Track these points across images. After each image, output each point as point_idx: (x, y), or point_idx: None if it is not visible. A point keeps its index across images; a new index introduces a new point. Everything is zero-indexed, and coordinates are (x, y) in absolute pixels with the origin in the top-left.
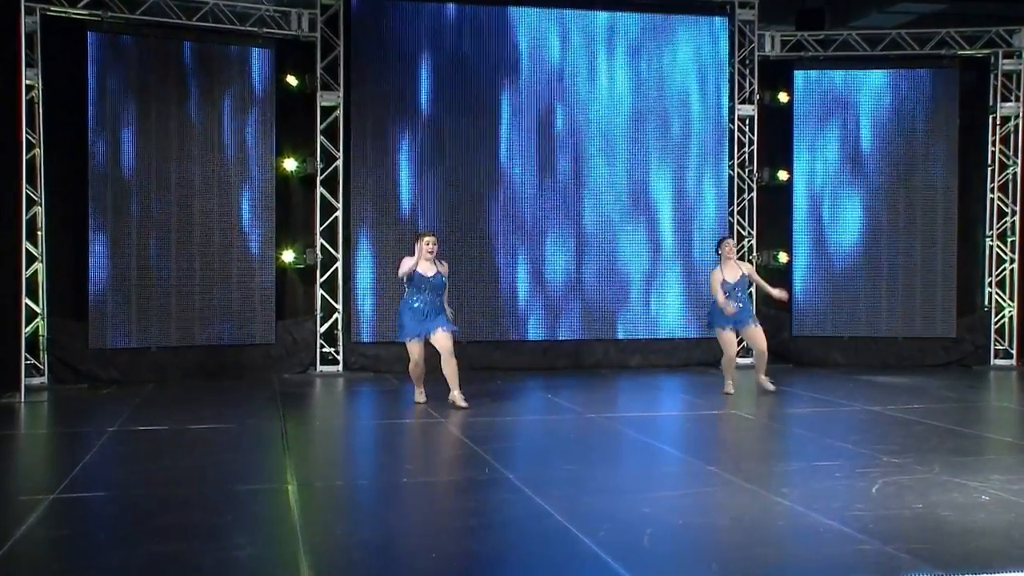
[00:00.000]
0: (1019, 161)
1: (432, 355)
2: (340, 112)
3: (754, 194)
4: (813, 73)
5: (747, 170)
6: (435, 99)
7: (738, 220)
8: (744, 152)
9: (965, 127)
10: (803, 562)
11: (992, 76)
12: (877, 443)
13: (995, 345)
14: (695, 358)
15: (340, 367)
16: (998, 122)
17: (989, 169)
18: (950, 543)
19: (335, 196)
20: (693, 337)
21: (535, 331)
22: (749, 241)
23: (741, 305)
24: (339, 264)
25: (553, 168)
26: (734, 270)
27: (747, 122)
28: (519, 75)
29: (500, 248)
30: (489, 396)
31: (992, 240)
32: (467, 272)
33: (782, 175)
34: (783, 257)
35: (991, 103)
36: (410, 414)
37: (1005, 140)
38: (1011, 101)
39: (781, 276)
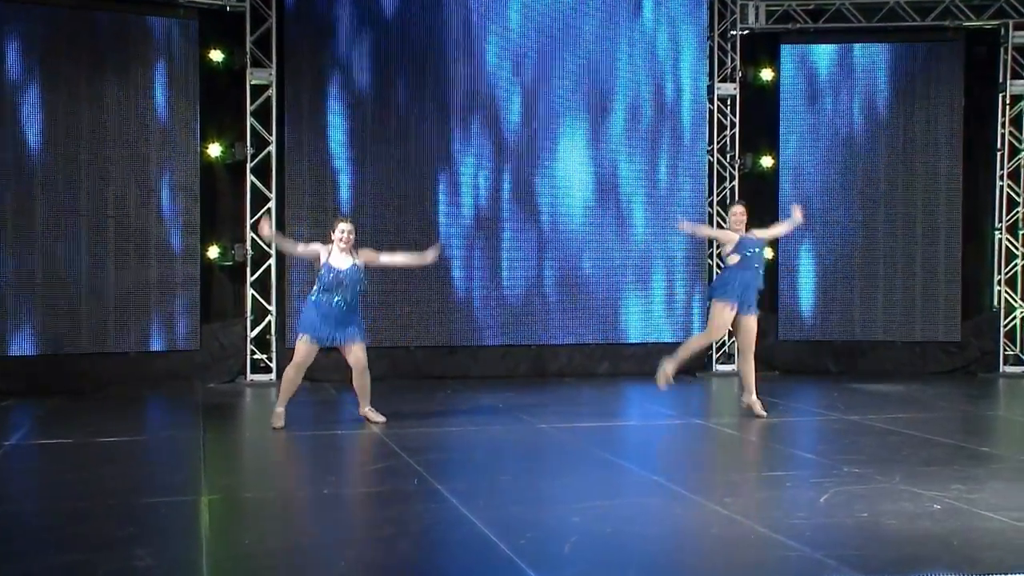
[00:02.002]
0: None
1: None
2: (273, 91)
3: (736, 182)
4: (801, 48)
5: (728, 156)
6: (379, 76)
7: (718, 211)
8: (725, 136)
9: (972, 107)
10: (723, 568)
11: (1002, 50)
12: (842, 453)
13: (1004, 350)
14: None
15: (273, 375)
16: (1008, 101)
17: (998, 154)
18: (882, 549)
19: (267, 185)
20: (667, 342)
21: (491, 335)
22: None
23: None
24: (272, 261)
25: (512, 154)
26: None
27: (728, 102)
28: (473, 49)
29: (453, 242)
30: (434, 405)
31: (1001, 233)
32: (414, 270)
33: (766, 161)
34: (768, 252)
35: (1001, 80)
36: (344, 425)
37: (1016, 121)
38: (1022, 78)
39: (766, 274)
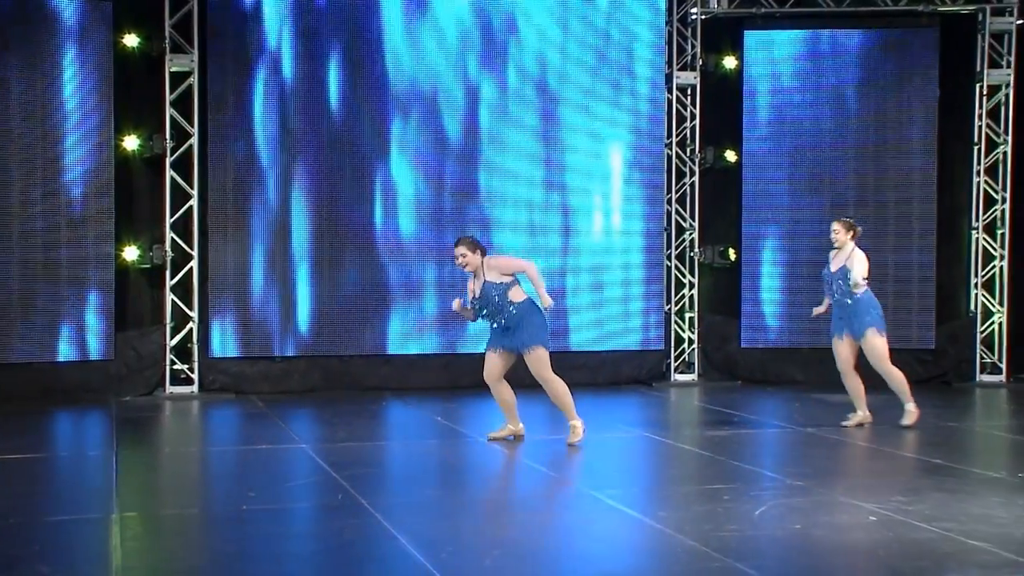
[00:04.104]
0: (1010, 139)
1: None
2: (194, 79)
3: (696, 179)
4: (767, 34)
5: (688, 150)
6: (311, 64)
7: (677, 210)
8: (684, 128)
9: (947, 98)
10: None
11: (979, 37)
12: (789, 466)
13: (981, 358)
14: (624, 375)
15: (195, 387)
16: (985, 92)
17: (975, 148)
18: (804, 560)
19: (189, 181)
20: (622, 350)
21: (432, 343)
22: (691, 235)
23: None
24: (194, 263)
25: (454, 147)
26: (838, 259)
27: (688, 92)
28: (413, 34)
29: (389, 243)
30: (368, 418)
31: (978, 233)
32: (350, 274)
33: (730, 156)
34: (731, 253)
35: (978, 69)
36: (269, 439)
37: (994, 113)
38: (1001, 67)
39: (728, 276)
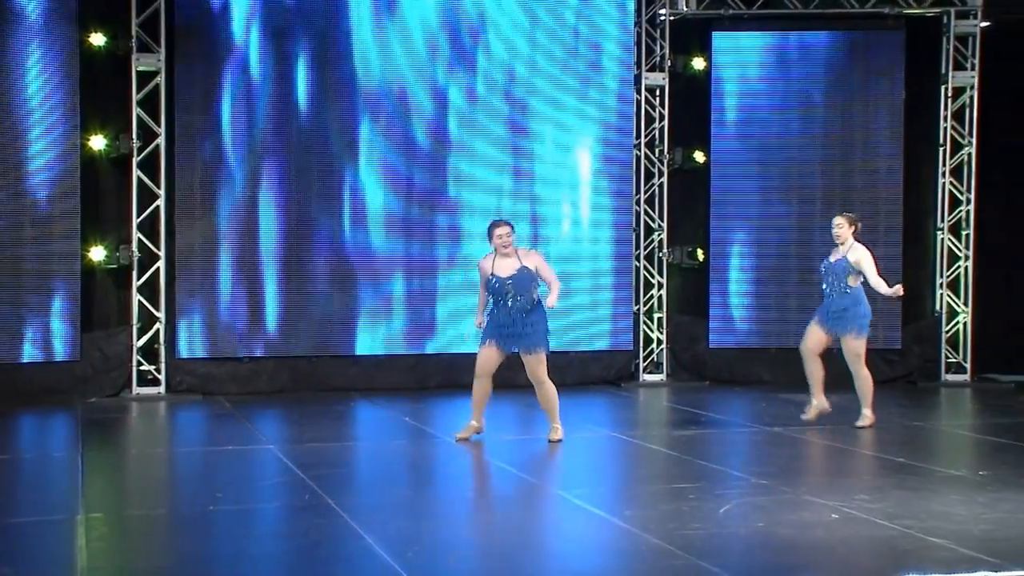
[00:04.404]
0: (974, 140)
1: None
2: (161, 79)
3: (665, 179)
4: (735, 35)
5: (656, 150)
6: (279, 63)
7: (645, 210)
8: (653, 129)
9: (913, 100)
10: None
11: (944, 40)
12: (754, 465)
13: (946, 358)
14: (593, 375)
15: (162, 388)
16: (950, 94)
17: (940, 150)
18: (766, 557)
19: (156, 181)
20: (591, 351)
21: (400, 344)
22: (659, 235)
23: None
24: (161, 263)
25: (422, 147)
26: (838, 251)
27: (656, 93)
28: (382, 35)
29: (357, 244)
30: (335, 419)
31: (944, 234)
32: (319, 274)
33: (698, 157)
34: (700, 254)
35: (943, 72)
36: (236, 440)
37: (959, 115)
38: (966, 70)
39: (696, 277)
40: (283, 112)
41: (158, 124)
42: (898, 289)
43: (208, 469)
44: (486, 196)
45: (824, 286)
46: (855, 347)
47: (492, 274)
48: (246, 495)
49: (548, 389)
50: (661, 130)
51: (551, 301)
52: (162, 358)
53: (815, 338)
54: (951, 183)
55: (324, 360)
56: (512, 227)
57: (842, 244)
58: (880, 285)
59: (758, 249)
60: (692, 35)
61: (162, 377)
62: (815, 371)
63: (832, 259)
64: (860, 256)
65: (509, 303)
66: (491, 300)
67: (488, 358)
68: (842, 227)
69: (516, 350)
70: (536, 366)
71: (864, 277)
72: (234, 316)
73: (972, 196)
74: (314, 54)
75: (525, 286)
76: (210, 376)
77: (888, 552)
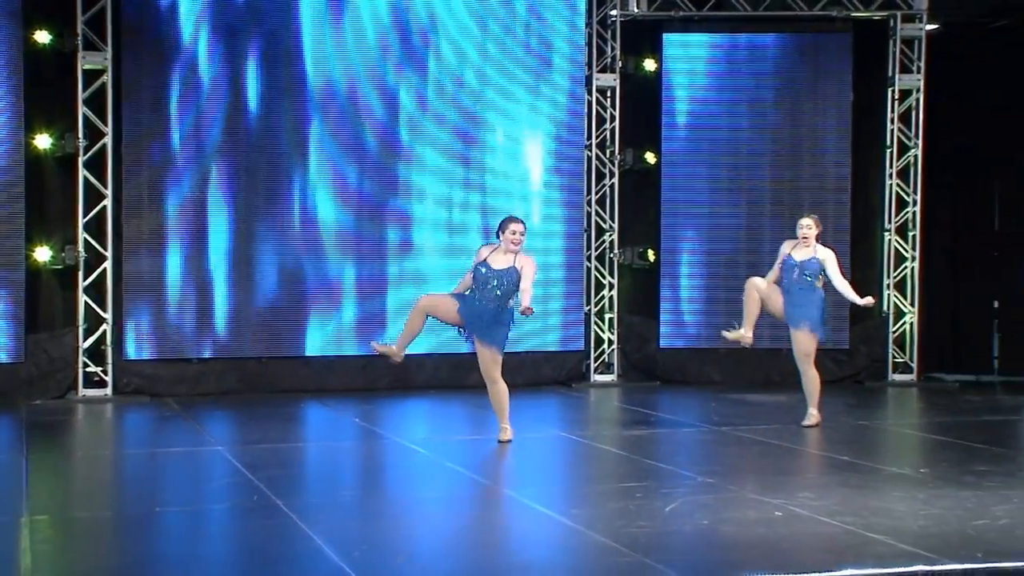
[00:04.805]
0: (920, 142)
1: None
2: (108, 77)
3: (616, 180)
4: (685, 37)
5: (607, 151)
6: (228, 62)
7: (596, 211)
8: (604, 130)
9: (860, 102)
10: (553, 572)
11: (891, 43)
12: (702, 464)
13: (893, 357)
14: (544, 375)
15: (108, 390)
16: (897, 96)
17: (887, 151)
18: (709, 554)
19: (102, 180)
20: (542, 351)
21: (350, 345)
22: (610, 236)
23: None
24: (108, 264)
25: (373, 148)
26: (804, 250)
27: (608, 94)
28: (332, 34)
29: (307, 244)
30: (284, 420)
31: (891, 235)
32: (269, 275)
33: (649, 158)
34: (650, 255)
35: (890, 74)
36: (184, 442)
37: (905, 117)
38: (912, 72)
39: (647, 277)
40: (232, 111)
41: (105, 123)
42: (869, 300)
43: (155, 471)
44: (437, 195)
45: (786, 282)
46: (806, 345)
47: (485, 261)
48: (193, 497)
49: (500, 389)
50: (612, 131)
51: (524, 303)
52: (109, 359)
53: (772, 294)
54: (898, 184)
55: (274, 361)
56: (526, 227)
57: (807, 245)
58: (845, 287)
59: (708, 250)
60: (643, 36)
61: (109, 379)
62: (754, 308)
63: (798, 257)
64: (827, 256)
65: (488, 294)
66: (472, 286)
67: (442, 305)
68: (811, 228)
69: (472, 335)
70: (490, 363)
71: (828, 279)
72: (182, 317)
73: (919, 197)
74: (264, 53)
75: (510, 285)
76: (158, 378)
77: (828, 548)
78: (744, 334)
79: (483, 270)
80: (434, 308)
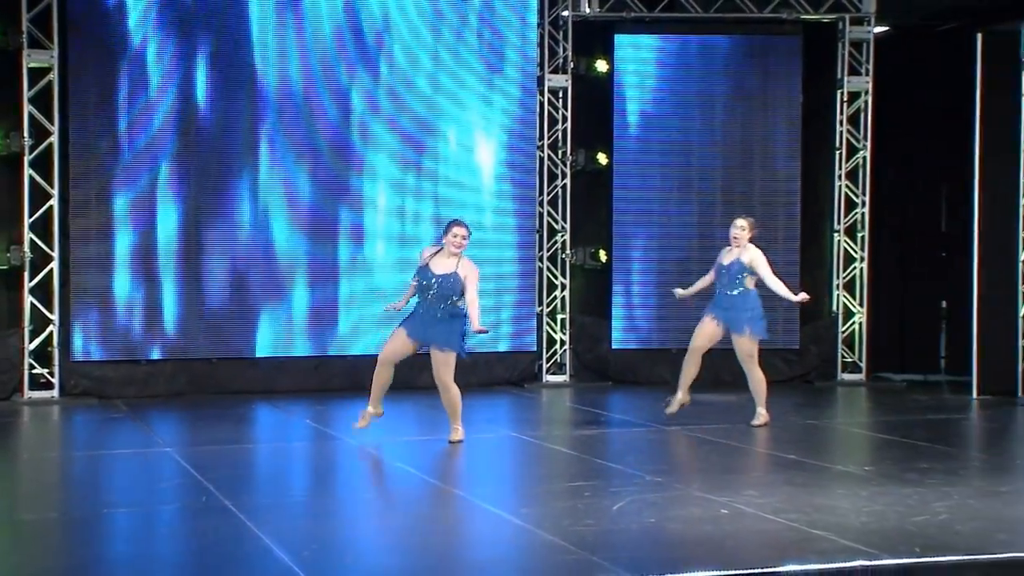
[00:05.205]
0: (869, 144)
1: None
2: (55, 75)
3: (568, 180)
4: (636, 38)
5: (560, 152)
6: (178, 59)
7: (548, 211)
8: (556, 130)
9: (810, 104)
10: (501, 572)
11: (840, 46)
12: (650, 463)
13: (843, 357)
14: (497, 376)
15: (55, 392)
16: (845, 99)
17: (836, 153)
18: (656, 551)
19: (49, 180)
20: (495, 352)
21: (301, 346)
22: (562, 236)
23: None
24: (55, 264)
25: (324, 149)
26: (732, 253)
27: (560, 95)
28: (283, 34)
29: (255, 242)
30: (235, 422)
31: (840, 236)
32: (218, 275)
33: (601, 159)
34: (602, 256)
35: (838, 77)
36: (132, 444)
37: (854, 119)
38: (860, 75)
39: (599, 278)
40: (182, 111)
41: (51, 122)
42: (803, 296)
43: (103, 473)
44: (390, 196)
45: (717, 288)
46: (748, 348)
47: (426, 265)
48: (142, 498)
49: (453, 394)
50: (564, 132)
51: (475, 325)
52: (56, 361)
53: (706, 334)
54: (847, 186)
55: (224, 362)
56: (470, 232)
57: (738, 246)
58: (778, 285)
59: (660, 250)
60: (595, 37)
61: (56, 380)
62: (692, 370)
63: (726, 261)
64: (753, 256)
65: (430, 299)
66: (417, 292)
67: (395, 345)
68: (745, 230)
69: (427, 344)
70: (443, 368)
71: (760, 279)
72: (131, 318)
73: (867, 199)
74: (214, 52)
75: (449, 290)
76: (106, 379)
77: (772, 544)
78: (682, 399)
79: (425, 275)
80: (392, 353)
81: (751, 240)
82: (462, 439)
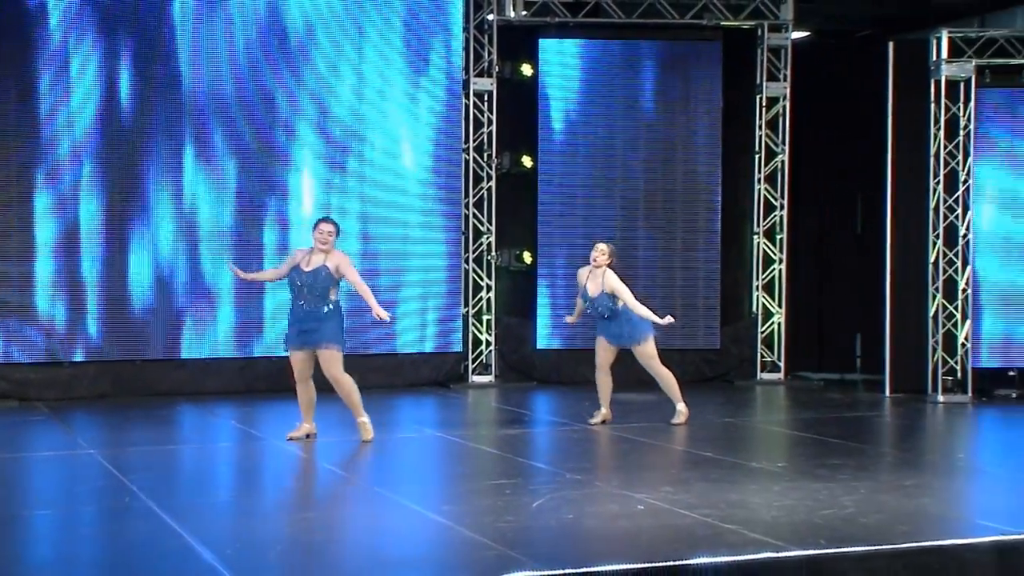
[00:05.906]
0: (787, 148)
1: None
2: None
3: (493, 183)
4: (561, 43)
5: (485, 155)
6: (99, 62)
7: (474, 213)
8: (481, 133)
9: (730, 109)
10: (421, 568)
11: (759, 52)
12: (571, 461)
13: (762, 357)
14: (423, 376)
15: None
16: (764, 104)
17: (756, 157)
18: (572, 546)
19: None
20: (421, 352)
21: (227, 347)
22: (488, 238)
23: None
24: None
25: (248, 146)
26: (594, 282)
27: (485, 98)
28: (205, 35)
29: (182, 245)
30: (159, 424)
31: (759, 238)
32: (143, 276)
33: (526, 161)
34: (527, 257)
35: (757, 82)
36: (54, 446)
37: (772, 124)
38: (779, 80)
39: (524, 279)
40: (104, 110)
41: None
42: (669, 319)
43: (23, 475)
44: (316, 199)
45: (591, 311)
46: (646, 351)
47: (297, 267)
48: (63, 500)
49: (347, 386)
50: (489, 135)
51: (376, 312)
52: None
53: (605, 353)
54: (766, 189)
55: (149, 364)
56: (337, 227)
57: (597, 268)
58: (642, 309)
59: (584, 252)
60: (520, 42)
61: None
62: (606, 385)
63: (592, 292)
64: (615, 286)
65: (307, 298)
66: (291, 294)
67: (296, 363)
68: (604, 255)
69: (311, 347)
70: (330, 364)
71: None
72: (53, 319)
73: (786, 202)
74: (136, 51)
75: (320, 285)
76: (27, 381)
77: (685, 539)
78: (605, 414)
79: (295, 276)
80: (299, 372)
81: (611, 266)
82: (372, 437)
